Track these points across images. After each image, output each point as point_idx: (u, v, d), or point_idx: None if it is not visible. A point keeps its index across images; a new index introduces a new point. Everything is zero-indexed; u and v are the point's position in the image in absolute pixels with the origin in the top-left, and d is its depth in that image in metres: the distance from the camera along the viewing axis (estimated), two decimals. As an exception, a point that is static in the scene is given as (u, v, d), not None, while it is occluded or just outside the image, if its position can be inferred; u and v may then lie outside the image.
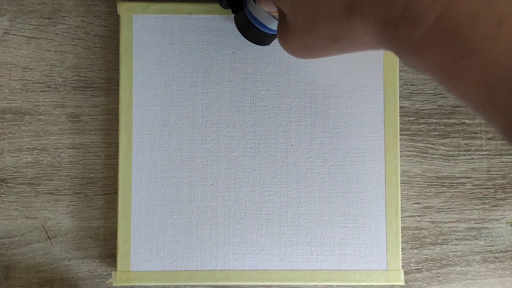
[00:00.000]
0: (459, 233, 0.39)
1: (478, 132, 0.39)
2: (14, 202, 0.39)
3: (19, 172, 0.39)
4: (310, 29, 0.22)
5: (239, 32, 0.36)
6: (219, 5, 0.37)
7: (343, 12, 0.20)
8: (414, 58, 0.19)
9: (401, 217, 0.39)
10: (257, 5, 0.31)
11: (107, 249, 0.39)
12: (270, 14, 0.31)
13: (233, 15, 0.34)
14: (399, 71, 0.38)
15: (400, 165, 0.39)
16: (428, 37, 0.18)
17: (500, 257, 0.39)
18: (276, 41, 0.35)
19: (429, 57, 0.18)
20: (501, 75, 0.16)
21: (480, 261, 0.39)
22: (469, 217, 0.39)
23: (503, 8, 0.16)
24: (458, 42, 0.17)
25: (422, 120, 0.39)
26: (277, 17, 0.31)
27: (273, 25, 0.32)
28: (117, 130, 0.38)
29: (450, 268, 0.39)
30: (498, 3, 0.16)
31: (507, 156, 0.39)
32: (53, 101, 0.39)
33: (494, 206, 0.39)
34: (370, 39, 0.21)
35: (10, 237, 0.39)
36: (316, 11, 0.21)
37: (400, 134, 0.38)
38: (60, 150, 0.39)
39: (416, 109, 0.39)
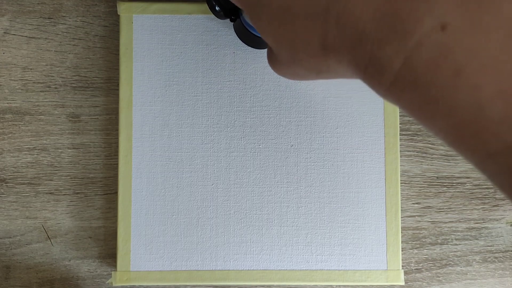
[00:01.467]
0: (459, 233, 0.39)
1: (478, 132, 0.39)
2: (14, 202, 0.39)
3: (19, 172, 0.39)
4: (293, 62, 0.24)
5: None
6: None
7: (320, 52, 0.21)
8: (387, 99, 0.20)
9: (401, 217, 0.39)
10: None
11: (107, 249, 0.39)
12: None
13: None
14: (399, 71, 0.38)
15: (400, 165, 0.39)
16: (395, 84, 0.19)
17: (500, 257, 0.39)
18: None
19: (399, 100, 0.19)
20: (464, 121, 0.17)
21: (480, 261, 0.39)
22: (469, 217, 0.39)
23: (461, 58, 0.16)
24: (422, 90, 0.18)
25: (422, 120, 0.39)
26: None
27: None
28: (117, 130, 0.38)
29: (450, 268, 0.39)
30: (455, 53, 0.16)
31: (507, 156, 0.39)
32: (53, 101, 0.39)
33: (494, 206, 0.39)
34: (349, 74, 0.22)
35: (10, 237, 0.39)
36: (296, 49, 0.22)
37: (400, 134, 0.38)
38: (60, 150, 0.39)
39: (416, 109, 0.39)
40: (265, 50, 0.37)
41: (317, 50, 0.21)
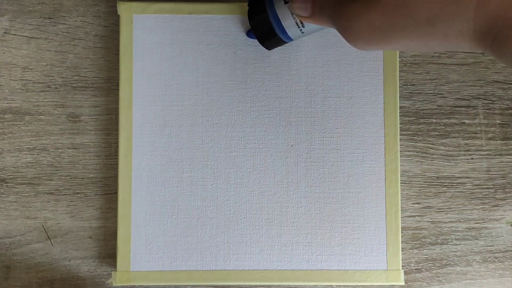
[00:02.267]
0: (459, 233, 0.39)
1: (478, 132, 0.39)
2: (14, 202, 0.39)
3: (19, 172, 0.39)
4: (403, 5, 0.20)
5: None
6: (218, 5, 0.37)
7: None
8: None
9: (401, 217, 0.39)
10: (288, 6, 0.31)
11: (107, 249, 0.39)
12: (295, 20, 0.31)
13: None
14: (399, 71, 0.38)
15: (400, 165, 0.39)
16: None
17: (500, 257, 0.39)
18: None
19: None
20: None
21: (480, 261, 0.39)
22: (469, 217, 0.39)
23: None
24: None
25: (422, 120, 0.39)
26: (302, 26, 0.32)
27: (292, 33, 0.33)
28: (117, 130, 0.38)
29: (450, 268, 0.39)
30: None
31: (507, 156, 0.39)
32: (53, 101, 0.39)
33: (494, 206, 0.39)
34: (472, 27, 0.19)
35: (10, 237, 0.39)
36: None
37: (400, 134, 0.38)
38: (60, 150, 0.39)
39: (416, 109, 0.39)
40: (265, 49, 0.37)
41: None
